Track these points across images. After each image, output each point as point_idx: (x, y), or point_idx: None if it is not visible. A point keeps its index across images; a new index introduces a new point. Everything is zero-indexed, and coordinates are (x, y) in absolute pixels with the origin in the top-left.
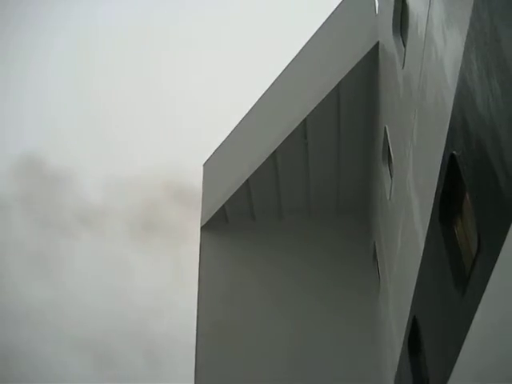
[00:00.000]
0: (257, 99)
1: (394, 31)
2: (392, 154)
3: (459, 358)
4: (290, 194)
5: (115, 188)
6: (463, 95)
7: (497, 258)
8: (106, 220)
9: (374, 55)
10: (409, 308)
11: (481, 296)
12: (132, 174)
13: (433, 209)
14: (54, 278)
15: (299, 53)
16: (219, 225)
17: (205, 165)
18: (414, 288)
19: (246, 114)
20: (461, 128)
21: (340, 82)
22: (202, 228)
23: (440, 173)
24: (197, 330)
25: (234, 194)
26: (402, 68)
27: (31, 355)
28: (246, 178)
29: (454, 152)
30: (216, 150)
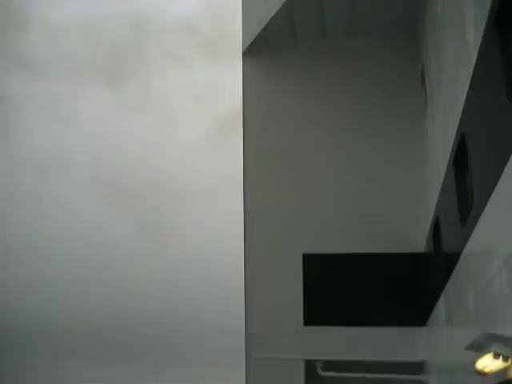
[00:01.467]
0: None
1: None
2: None
3: (506, 170)
4: (334, 12)
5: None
6: None
7: None
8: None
9: None
10: (456, 127)
11: None
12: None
13: (488, 17)
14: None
15: None
16: (261, 49)
17: None
18: (462, 106)
19: None
20: None
21: None
22: (243, 53)
23: None
24: (244, 159)
25: (274, 15)
26: None
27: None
28: None
29: None
30: None
